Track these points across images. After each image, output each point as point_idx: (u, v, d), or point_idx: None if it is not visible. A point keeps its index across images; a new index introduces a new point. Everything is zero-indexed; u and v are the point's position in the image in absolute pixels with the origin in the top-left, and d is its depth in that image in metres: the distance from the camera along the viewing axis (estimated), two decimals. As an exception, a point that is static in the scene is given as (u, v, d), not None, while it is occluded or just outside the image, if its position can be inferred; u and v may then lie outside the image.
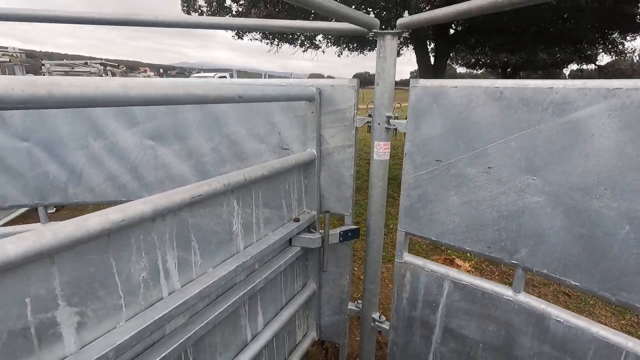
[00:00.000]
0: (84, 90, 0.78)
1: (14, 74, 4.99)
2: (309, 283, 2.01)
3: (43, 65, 5.29)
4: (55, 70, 5.06)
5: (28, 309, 0.76)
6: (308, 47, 10.81)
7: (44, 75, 5.34)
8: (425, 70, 8.26)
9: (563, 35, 8.03)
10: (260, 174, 1.43)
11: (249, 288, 1.45)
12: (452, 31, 8.78)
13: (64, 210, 5.08)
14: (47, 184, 1.97)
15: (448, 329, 1.66)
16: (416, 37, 7.93)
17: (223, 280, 1.24)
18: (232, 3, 7.71)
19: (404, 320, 1.81)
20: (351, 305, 2.07)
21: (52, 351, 0.82)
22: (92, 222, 0.84)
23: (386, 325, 1.91)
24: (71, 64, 5.41)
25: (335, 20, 1.57)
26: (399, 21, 1.50)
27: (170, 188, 1.38)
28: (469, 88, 1.39)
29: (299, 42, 10.31)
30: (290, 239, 1.76)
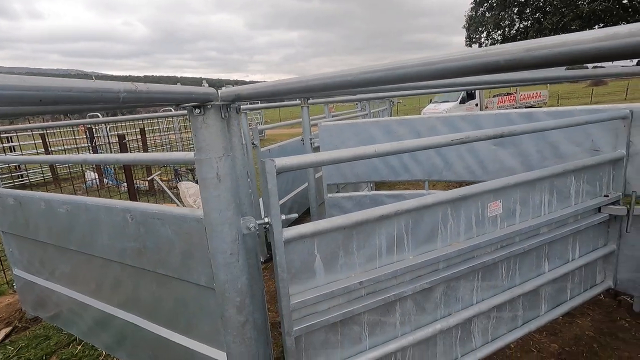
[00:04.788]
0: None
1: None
2: (609, 244, 2.88)
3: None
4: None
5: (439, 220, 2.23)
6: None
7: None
8: None
9: None
10: (578, 165, 2.51)
11: (569, 227, 2.56)
12: None
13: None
14: (432, 169, 3.77)
15: None
16: None
17: (557, 221, 2.44)
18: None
19: None
20: (649, 267, 2.77)
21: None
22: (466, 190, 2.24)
23: (686, 283, 2.53)
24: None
25: None
26: None
27: (503, 176, 2.68)
28: None
29: None
30: (600, 208, 2.73)
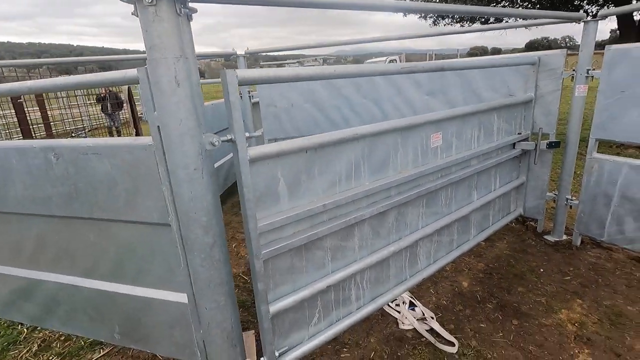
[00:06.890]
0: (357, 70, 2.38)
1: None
2: (521, 176, 3.35)
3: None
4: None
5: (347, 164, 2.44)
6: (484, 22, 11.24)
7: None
8: (627, 31, 7.76)
9: None
10: (500, 104, 2.84)
11: (493, 160, 2.92)
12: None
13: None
14: (372, 120, 3.91)
15: (624, 195, 2.75)
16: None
17: (483, 154, 2.76)
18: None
19: (590, 195, 2.95)
20: (549, 193, 3.30)
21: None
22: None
23: (576, 201, 3.09)
24: (283, 63, 7.86)
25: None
26: (601, 12, 2.63)
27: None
28: (647, 46, 2.44)
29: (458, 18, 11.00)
30: (514, 144, 3.14)
